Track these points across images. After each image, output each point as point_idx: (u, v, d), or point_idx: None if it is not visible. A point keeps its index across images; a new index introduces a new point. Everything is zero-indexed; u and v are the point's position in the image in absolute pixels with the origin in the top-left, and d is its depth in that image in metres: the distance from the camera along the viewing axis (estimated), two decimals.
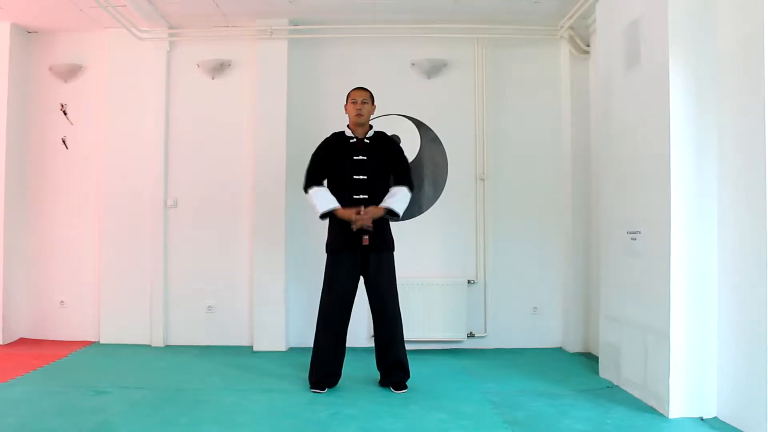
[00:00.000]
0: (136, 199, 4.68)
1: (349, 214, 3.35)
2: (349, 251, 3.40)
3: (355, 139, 3.51)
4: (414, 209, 4.64)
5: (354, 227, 3.33)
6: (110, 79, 4.73)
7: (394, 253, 3.54)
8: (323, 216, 3.42)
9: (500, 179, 4.68)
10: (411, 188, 3.53)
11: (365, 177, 3.44)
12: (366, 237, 3.37)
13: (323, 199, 3.41)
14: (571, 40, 4.52)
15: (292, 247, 4.59)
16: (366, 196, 3.41)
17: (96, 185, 4.77)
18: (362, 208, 3.35)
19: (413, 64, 4.67)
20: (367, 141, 3.52)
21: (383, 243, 3.46)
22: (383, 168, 3.51)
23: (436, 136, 4.69)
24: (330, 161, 3.50)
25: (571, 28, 4.46)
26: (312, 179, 3.48)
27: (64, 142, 4.82)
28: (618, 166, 3.58)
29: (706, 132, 2.95)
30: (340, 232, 3.42)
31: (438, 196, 4.68)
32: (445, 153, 4.69)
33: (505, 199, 4.67)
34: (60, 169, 4.81)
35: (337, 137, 3.56)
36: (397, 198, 3.46)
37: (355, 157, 3.46)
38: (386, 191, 3.50)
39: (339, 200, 3.42)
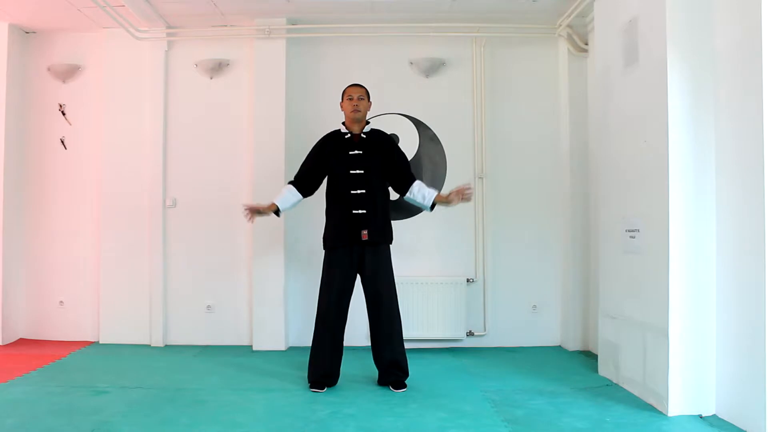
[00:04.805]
0: (134, 199, 4.68)
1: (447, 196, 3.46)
2: (346, 247, 3.40)
3: (350, 135, 3.51)
4: (413, 208, 4.64)
5: (459, 198, 3.38)
6: (108, 79, 4.73)
7: (392, 251, 3.52)
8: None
9: (499, 178, 4.68)
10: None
11: (362, 171, 3.43)
12: (365, 232, 3.37)
13: (285, 194, 3.51)
14: (569, 38, 4.52)
15: (290, 246, 4.59)
16: (363, 191, 3.40)
17: (95, 185, 4.77)
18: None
19: (412, 63, 4.67)
20: (363, 136, 3.52)
21: (382, 236, 3.45)
22: (380, 163, 3.49)
23: (435, 135, 4.69)
24: (325, 160, 3.51)
25: (569, 26, 4.47)
26: (296, 176, 3.57)
27: (62, 142, 4.82)
28: (616, 164, 3.58)
29: (705, 130, 2.96)
30: (337, 226, 3.43)
31: None
32: (443, 152, 4.69)
33: (504, 197, 4.67)
34: (59, 170, 4.81)
35: (333, 136, 3.56)
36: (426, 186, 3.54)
37: (351, 152, 3.46)
38: (383, 185, 3.51)
39: (336, 195, 3.45)
